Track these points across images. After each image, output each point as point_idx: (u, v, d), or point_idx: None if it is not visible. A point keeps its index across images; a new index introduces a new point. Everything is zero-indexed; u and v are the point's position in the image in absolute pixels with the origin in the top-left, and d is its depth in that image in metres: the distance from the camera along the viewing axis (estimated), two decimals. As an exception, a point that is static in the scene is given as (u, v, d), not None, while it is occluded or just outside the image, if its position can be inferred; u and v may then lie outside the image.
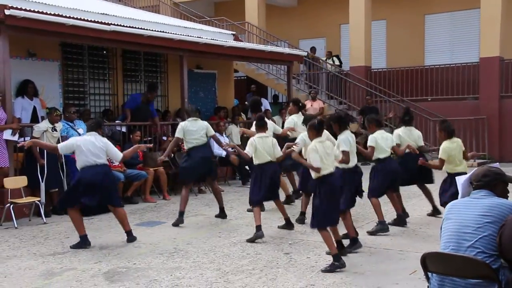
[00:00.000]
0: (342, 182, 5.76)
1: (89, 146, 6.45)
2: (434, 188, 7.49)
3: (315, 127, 5.55)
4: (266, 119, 7.24)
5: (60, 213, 8.43)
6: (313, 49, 17.00)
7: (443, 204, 6.32)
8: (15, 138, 8.09)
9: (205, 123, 8.00)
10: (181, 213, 7.61)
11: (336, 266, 5.26)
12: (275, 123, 13.25)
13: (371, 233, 6.69)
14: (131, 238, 6.68)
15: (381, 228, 6.72)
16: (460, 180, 3.54)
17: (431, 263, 3.16)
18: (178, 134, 7.78)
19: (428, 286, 3.30)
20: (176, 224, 7.54)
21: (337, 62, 16.75)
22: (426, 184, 7.80)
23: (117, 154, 6.79)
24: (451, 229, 3.25)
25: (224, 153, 11.47)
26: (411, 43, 16.90)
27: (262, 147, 6.78)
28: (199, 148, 7.74)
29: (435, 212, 7.63)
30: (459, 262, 3.04)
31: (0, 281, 5.25)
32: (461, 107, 14.51)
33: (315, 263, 5.59)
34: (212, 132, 7.95)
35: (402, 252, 5.95)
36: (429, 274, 3.23)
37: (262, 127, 6.96)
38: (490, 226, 3.13)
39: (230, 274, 5.28)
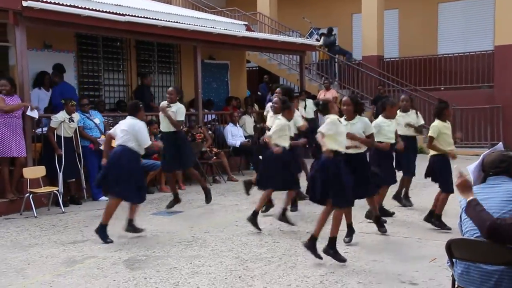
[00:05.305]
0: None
1: (116, 129, 6.56)
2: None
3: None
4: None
5: (78, 203, 8.54)
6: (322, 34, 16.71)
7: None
8: (35, 114, 8.14)
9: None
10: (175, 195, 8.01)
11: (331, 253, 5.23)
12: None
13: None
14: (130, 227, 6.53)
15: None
16: (471, 168, 3.52)
17: (456, 249, 3.16)
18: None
19: (452, 273, 3.30)
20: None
21: (326, 38, 15.93)
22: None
23: (145, 141, 6.48)
24: None
25: (238, 143, 11.53)
26: (424, 32, 16.76)
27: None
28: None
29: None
30: (485, 248, 3.04)
31: (24, 268, 5.34)
32: (476, 96, 14.39)
33: (334, 251, 5.61)
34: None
35: (420, 240, 5.96)
36: (454, 260, 3.24)
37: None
38: None
39: (249, 262, 5.32)
